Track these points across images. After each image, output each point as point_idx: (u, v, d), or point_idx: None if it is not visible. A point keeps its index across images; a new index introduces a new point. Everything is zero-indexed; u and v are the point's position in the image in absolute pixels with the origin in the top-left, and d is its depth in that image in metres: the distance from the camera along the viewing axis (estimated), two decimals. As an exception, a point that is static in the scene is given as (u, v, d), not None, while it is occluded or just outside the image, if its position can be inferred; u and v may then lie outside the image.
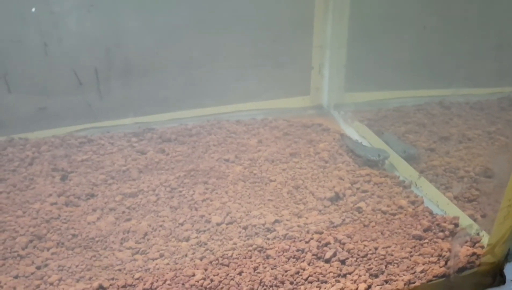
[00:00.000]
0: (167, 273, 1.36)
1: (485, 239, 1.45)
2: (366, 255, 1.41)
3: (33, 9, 1.89)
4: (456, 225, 1.50)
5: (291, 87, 2.37)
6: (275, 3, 2.30)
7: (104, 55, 2.15)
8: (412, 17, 2.18)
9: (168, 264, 1.40)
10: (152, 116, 2.25)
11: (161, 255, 1.44)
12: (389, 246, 1.44)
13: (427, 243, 1.45)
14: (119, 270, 1.40)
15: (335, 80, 2.31)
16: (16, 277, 1.37)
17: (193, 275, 1.35)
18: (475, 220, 1.49)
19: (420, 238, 1.47)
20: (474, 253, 1.41)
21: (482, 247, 1.43)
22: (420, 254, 1.41)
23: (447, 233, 1.48)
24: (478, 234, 1.47)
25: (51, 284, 1.35)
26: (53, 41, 2.07)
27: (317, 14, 2.26)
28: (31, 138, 2.07)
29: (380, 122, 2.11)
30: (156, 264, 1.40)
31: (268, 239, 1.48)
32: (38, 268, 1.41)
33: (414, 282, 1.33)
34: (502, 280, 1.42)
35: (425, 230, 1.49)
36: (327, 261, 1.39)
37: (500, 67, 2.11)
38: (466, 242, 1.42)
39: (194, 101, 2.34)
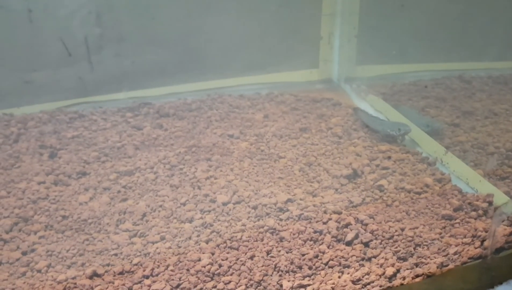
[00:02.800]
0: (169, 258, 1.21)
1: (521, 218, 1.32)
2: (392, 236, 1.26)
3: None
4: (490, 203, 1.36)
5: (298, 59, 2.20)
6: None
7: (94, 22, 1.97)
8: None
9: (170, 248, 1.24)
10: (149, 90, 2.07)
11: (162, 238, 1.28)
12: (417, 227, 1.29)
13: (459, 223, 1.31)
14: (115, 255, 1.24)
15: (346, 52, 2.13)
16: (-2, 263, 1.22)
17: (199, 259, 1.20)
18: (511, 197, 1.35)
19: (450, 218, 1.32)
20: None
21: (520, 226, 1.30)
22: (451, 235, 1.27)
23: (480, 212, 1.33)
24: (514, 213, 1.34)
25: (39, 271, 1.19)
26: (38, 6, 1.89)
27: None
28: (17, 114, 1.89)
29: (396, 97, 1.95)
30: (157, 248, 1.24)
31: (281, 219, 1.33)
32: (24, 253, 1.25)
33: (447, 265, 1.19)
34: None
35: (455, 210, 1.35)
36: (349, 243, 1.24)
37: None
38: (503, 221, 1.28)
39: (193, 73, 2.16)
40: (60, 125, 1.84)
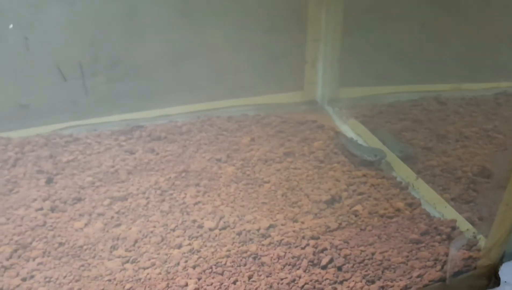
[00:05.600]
0: (159, 283, 1.31)
1: (481, 242, 1.43)
2: (363, 260, 1.37)
3: (11, 26, 1.81)
4: (454, 228, 1.47)
5: (284, 82, 2.31)
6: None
7: (88, 48, 2.06)
8: (408, 10, 2.13)
9: (160, 273, 1.35)
10: (140, 112, 2.17)
11: (153, 264, 1.39)
12: (386, 251, 1.41)
13: (424, 247, 1.42)
14: (109, 280, 1.34)
15: (329, 75, 2.24)
16: (0, 290, 1.32)
17: (186, 285, 1.30)
18: (472, 223, 1.46)
19: (417, 242, 1.44)
20: (470, 257, 1.39)
21: (479, 250, 1.41)
22: (417, 259, 1.38)
23: (444, 236, 1.45)
24: (475, 237, 1.45)
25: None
26: (35, 34, 1.98)
27: (311, 6, 2.19)
28: (14, 137, 1.98)
29: (376, 119, 2.06)
30: (148, 274, 1.35)
31: (263, 245, 1.44)
32: (24, 280, 1.35)
33: (410, 288, 1.30)
34: (496, 282, 1.41)
35: (422, 234, 1.46)
36: (324, 267, 1.36)
37: (496, 62, 2.07)
38: (463, 246, 1.39)
39: (183, 96, 2.27)
40: (56, 149, 1.94)
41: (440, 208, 1.58)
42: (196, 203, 1.63)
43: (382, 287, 1.29)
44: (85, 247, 1.46)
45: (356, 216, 1.57)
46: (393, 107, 2.14)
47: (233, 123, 2.16)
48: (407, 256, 1.39)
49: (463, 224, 1.48)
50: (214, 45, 2.23)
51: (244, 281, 1.31)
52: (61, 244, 1.47)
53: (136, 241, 1.48)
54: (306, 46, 2.25)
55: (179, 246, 1.45)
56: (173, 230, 1.52)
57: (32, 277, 1.36)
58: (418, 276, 1.31)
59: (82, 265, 1.40)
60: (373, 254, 1.39)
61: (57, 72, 2.05)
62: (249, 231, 1.50)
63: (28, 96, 2.04)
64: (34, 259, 1.41)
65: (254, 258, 1.40)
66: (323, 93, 2.30)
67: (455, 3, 2.09)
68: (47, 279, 1.35)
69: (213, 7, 2.18)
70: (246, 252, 1.42)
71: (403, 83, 2.23)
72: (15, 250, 1.44)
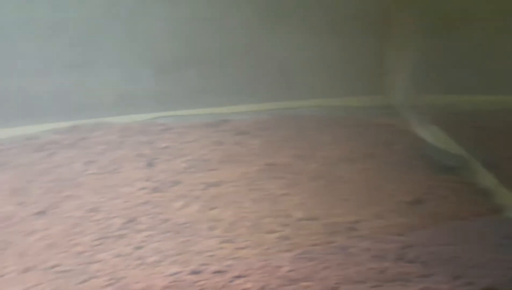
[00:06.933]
0: (256, 263, 1.43)
1: None
2: (448, 258, 1.44)
3: None
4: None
5: (363, 85, 2.39)
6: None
7: (184, 46, 2.24)
8: (495, 14, 2.14)
9: (255, 254, 1.48)
10: (225, 107, 2.33)
11: (248, 246, 1.52)
12: (470, 251, 1.47)
13: (508, 249, 1.47)
14: (210, 256, 1.49)
15: (409, 80, 2.30)
16: (116, 255, 1.49)
17: (281, 266, 1.43)
18: None
19: (500, 245, 1.49)
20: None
21: None
22: (500, 260, 1.44)
23: (530, 244, 1.49)
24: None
25: (149, 264, 1.45)
26: (140, 28, 2.17)
27: (393, 10, 2.26)
28: (116, 123, 2.19)
29: (456, 126, 2.10)
30: (245, 253, 1.49)
31: (350, 237, 1.53)
32: (135, 248, 1.52)
33: (495, 285, 1.36)
34: None
35: (505, 237, 1.51)
36: (410, 262, 1.43)
37: None
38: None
39: (265, 94, 2.41)
40: (152, 135, 2.12)
41: (524, 215, 1.61)
42: (283, 194, 1.75)
43: (468, 283, 1.35)
44: (185, 225, 1.62)
45: (438, 218, 1.63)
46: (474, 115, 2.17)
47: (313, 123, 2.26)
48: (491, 257, 1.45)
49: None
50: (294, 47, 2.36)
51: (334, 268, 1.42)
52: (165, 220, 1.63)
53: (231, 224, 1.62)
54: (387, 51, 2.33)
55: (271, 232, 1.58)
56: (264, 217, 1.65)
57: (141, 247, 1.52)
58: (503, 276, 1.37)
59: (185, 241, 1.55)
60: (457, 253, 1.45)
61: (155, 65, 2.25)
62: (336, 223, 1.60)
63: (128, 86, 2.25)
64: (142, 232, 1.59)
65: (342, 249, 1.50)
66: (402, 98, 2.35)
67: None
68: (155, 250, 1.50)
69: (295, 10, 2.31)
70: (334, 242, 1.52)
71: (486, 93, 2.25)
72: (125, 223, 1.62)
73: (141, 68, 2.20)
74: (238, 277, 1.42)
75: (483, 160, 1.82)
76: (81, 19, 2.02)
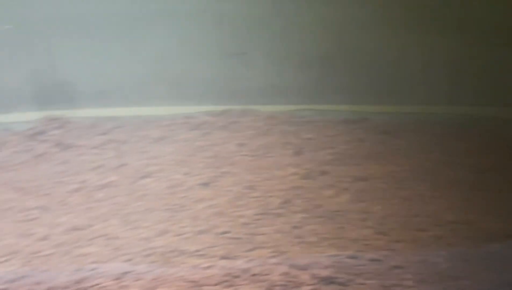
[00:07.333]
0: (412, 257, 1.49)
1: None
2: None
3: None
4: None
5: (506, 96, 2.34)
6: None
7: (331, 42, 2.34)
8: None
9: (411, 249, 1.54)
10: (367, 106, 2.40)
11: (402, 240, 1.58)
12: None
13: None
14: (365, 245, 1.57)
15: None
16: (277, 231, 1.62)
17: (438, 263, 1.46)
18: None
19: None
20: None
21: None
22: None
23: None
24: None
25: (309, 243, 1.57)
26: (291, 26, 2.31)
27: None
28: (262, 111, 2.35)
29: None
30: (400, 247, 1.55)
31: (508, 244, 1.55)
32: (294, 227, 1.65)
33: None
34: None
35: None
36: None
37: None
38: None
39: (407, 96, 2.44)
40: (296, 126, 2.25)
41: None
42: (432, 197, 1.78)
43: None
44: (338, 213, 1.71)
45: None
46: None
47: (455, 129, 2.26)
48: None
49: None
50: (440, 53, 2.36)
51: (492, 270, 1.44)
52: (317, 206, 1.74)
53: (382, 218, 1.69)
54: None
55: (423, 230, 1.62)
56: (415, 216, 1.69)
57: (298, 227, 1.64)
58: None
59: (339, 227, 1.65)
60: None
61: (302, 60, 2.37)
62: (490, 230, 1.60)
63: (276, 77, 2.39)
64: (297, 213, 1.71)
65: (500, 254, 1.51)
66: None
67: None
68: (312, 231, 1.61)
69: (447, 19, 2.31)
70: (489, 247, 1.54)
71: None
72: (282, 203, 1.75)
73: (290, 62, 2.35)
74: (396, 267, 1.49)
75: None
76: (244, 12, 2.20)
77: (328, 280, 1.38)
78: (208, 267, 1.42)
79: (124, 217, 1.66)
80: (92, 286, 1.35)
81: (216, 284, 1.34)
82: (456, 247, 1.55)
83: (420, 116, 2.36)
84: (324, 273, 1.39)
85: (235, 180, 1.88)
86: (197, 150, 2.08)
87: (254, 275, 1.38)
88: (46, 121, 2.22)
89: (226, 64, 2.31)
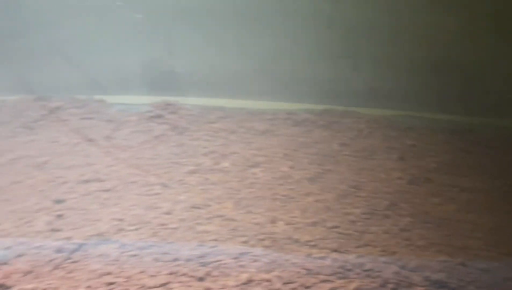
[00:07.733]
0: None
1: None
2: None
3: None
4: None
5: None
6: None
7: (440, 50, 2.33)
8: None
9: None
10: (471, 117, 2.37)
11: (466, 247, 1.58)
12: None
13: None
14: (475, 255, 1.57)
15: None
16: (385, 232, 1.67)
17: None
18: None
19: None
20: None
21: None
22: None
23: None
24: None
25: (418, 247, 1.59)
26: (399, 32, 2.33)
27: None
28: (364, 113, 2.40)
29: None
30: (510, 260, 1.56)
31: None
32: (402, 230, 1.68)
33: None
34: None
35: None
36: None
37: None
38: None
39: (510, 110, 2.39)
40: (399, 131, 2.28)
41: None
42: None
43: None
44: (445, 221, 1.73)
45: None
46: None
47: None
48: None
49: None
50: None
51: None
52: (424, 212, 1.77)
53: (491, 230, 1.68)
54: None
55: None
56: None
57: (407, 230, 1.68)
58: None
59: (448, 235, 1.66)
60: None
61: (407, 65, 2.38)
62: None
63: (380, 82, 2.43)
64: (404, 217, 1.74)
65: None
66: None
67: None
68: (420, 236, 1.65)
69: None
70: None
71: None
72: (389, 205, 1.80)
73: (394, 67, 2.37)
74: (509, 279, 1.49)
75: None
76: (356, 13, 2.24)
77: (440, 284, 1.41)
78: (321, 258, 1.50)
79: (237, 202, 1.78)
80: (213, 262, 1.47)
81: (330, 275, 1.42)
82: None
83: None
84: (436, 276, 1.43)
85: (340, 178, 1.94)
86: (301, 146, 2.17)
87: (366, 270, 1.45)
88: (163, 105, 2.40)
89: (333, 65, 2.37)
